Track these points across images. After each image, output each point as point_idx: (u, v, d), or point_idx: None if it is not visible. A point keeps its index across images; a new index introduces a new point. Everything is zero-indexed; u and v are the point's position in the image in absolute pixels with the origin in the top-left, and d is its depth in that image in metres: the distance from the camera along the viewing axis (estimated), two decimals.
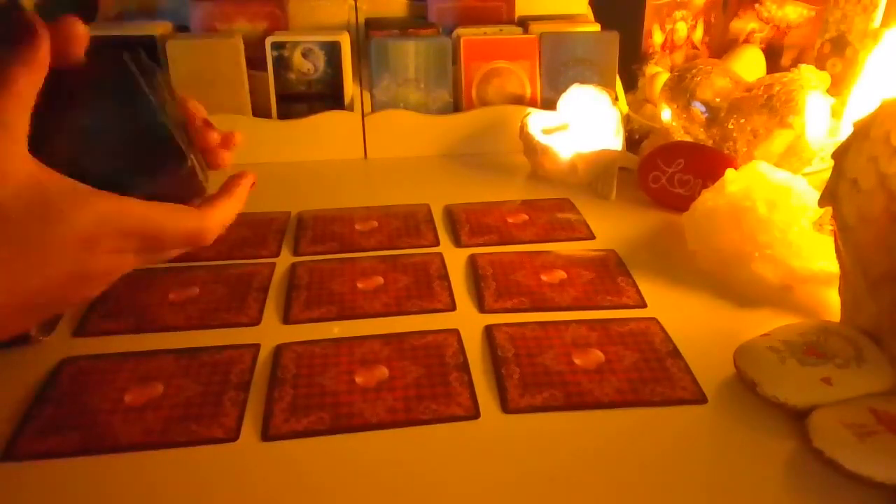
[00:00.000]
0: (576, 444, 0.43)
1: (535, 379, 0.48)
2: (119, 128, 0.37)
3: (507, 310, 0.57)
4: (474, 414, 0.46)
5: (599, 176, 0.78)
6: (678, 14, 1.03)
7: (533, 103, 0.91)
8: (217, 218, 0.40)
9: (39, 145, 0.33)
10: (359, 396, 0.47)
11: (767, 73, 0.91)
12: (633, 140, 0.87)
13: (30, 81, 0.33)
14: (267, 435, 0.44)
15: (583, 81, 0.83)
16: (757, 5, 0.96)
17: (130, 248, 0.36)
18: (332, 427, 0.44)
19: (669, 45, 1.04)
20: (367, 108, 0.89)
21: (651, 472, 0.41)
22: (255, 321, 0.55)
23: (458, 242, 0.67)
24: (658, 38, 1.04)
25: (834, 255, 0.53)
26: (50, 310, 0.39)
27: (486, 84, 0.91)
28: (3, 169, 0.31)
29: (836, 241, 0.51)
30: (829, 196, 0.51)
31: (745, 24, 0.98)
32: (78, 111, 0.36)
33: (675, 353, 0.51)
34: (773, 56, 0.95)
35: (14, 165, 0.31)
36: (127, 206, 0.35)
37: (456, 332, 0.53)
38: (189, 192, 0.41)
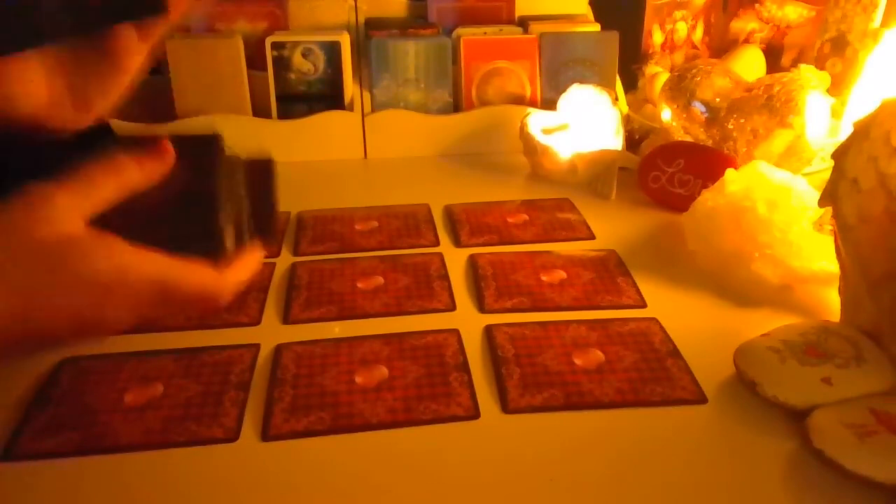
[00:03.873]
0: (576, 444, 0.43)
1: (535, 379, 0.48)
2: (177, 212, 0.39)
3: (507, 310, 0.57)
4: (474, 414, 0.46)
5: (599, 176, 0.78)
6: (678, 14, 1.03)
7: (533, 103, 0.91)
8: (232, 280, 0.41)
9: None
10: (359, 396, 0.47)
11: (767, 73, 0.91)
12: (633, 140, 0.87)
13: (134, 177, 0.37)
14: (267, 435, 0.44)
15: (583, 81, 0.83)
16: (757, 5, 0.96)
17: (145, 300, 0.37)
18: (332, 427, 0.44)
19: (669, 45, 1.04)
20: (367, 108, 0.89)
21: (651, 472, 0.41)
22: (255, 321, 0.55)
23: (458, 242, 0.67)
24: (658, 38, 1.04)
25: (834, 255, 0.53)
26: (50, 344, 0.41)
27: (486, 84, 0.91)
28: (59, 217, 0.34)
29: (836, 241, 0.51)
30: (829, 196, 0.51)
31: (745, 24, 0.98)
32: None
33: (675, 353, 0.51)
34: (773, 56, 0.95)
35: (69, 222, 0.34)
36: (149, 261, 0.37)
37: (456, 332, 0.53)
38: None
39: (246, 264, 0.42)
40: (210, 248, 0.39)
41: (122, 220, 0.36)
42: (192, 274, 0.38)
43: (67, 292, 0.34)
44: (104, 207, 0.36)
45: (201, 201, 0.39)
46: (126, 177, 0.37)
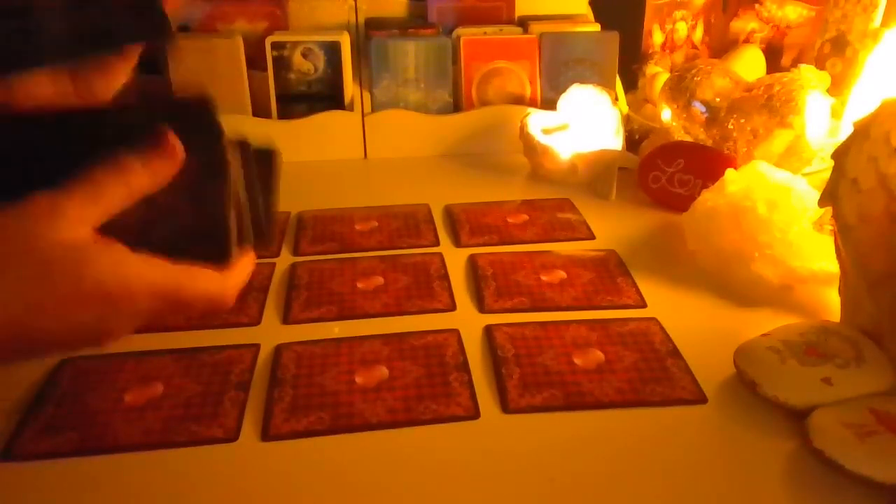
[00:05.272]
0: (576, 444, 0.43)
1: (535, 379, 0.48)
2: (185, 210, 0.38)
3: (507, 310, 0.57)
4: (474, 414, 0.46)
5: (599, 176, 0.78)
6: (678, 14, 1.03)
7: (533, 103, 0.91)
8: (236, 281, 0.40)
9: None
10: (359, 396, 0.47)
11: (767, 73, 0.91)
12: (633, 140, 0.87)
13: (142, 181, 0.36)
14: (267, 435, 0.44)
15: (583, 81, 0.83)
16: (757, 5, 0.96)
17: (150, 309, 0.37)
18: (332, 427, 0.44)
19: (669, 45, 1.04)
20: (367, 108, 0.89)
21: (651, 472, 0.41)
22: (255, 321, 0.55)
23: (458, 242, 0.67)
24: (658, 38, 1.04)
25: (834, 255, 0.53)
26: (54, 351, 0.41)
27: (486, 84, 0.91)
28: (67, 224, 0.33)
29: (836, 241, 0.51)
30: (829, 196, 0.51)
31: (745, 24, 0.98)
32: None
33: (675, 353, 0.51)
34: (773, 56, 0.95)
35: (78, 229, 0.34)
36: (155, 270, 0.36)
37: (456, 332, 0.53)
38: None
39: (244, 265, 0.41)
40: (215, 250, 0.39)
41: (127, 221, 0.36)
42: (197, 281, 0.38)
43: (70, 302, 0.34)
44: (112, 214, 0.35)
45: (209, 202, 0.38)
46: (135, 181, 0.36)
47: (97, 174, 0.35)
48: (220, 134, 0.38)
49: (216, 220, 0.38)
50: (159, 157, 0.36)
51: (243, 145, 0.41)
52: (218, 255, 0.39)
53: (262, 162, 0.42)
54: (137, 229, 0.36)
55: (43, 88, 0.37)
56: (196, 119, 0.37)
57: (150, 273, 0.36)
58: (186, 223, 0.38)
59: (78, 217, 0.34)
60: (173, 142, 0.37)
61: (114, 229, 0.35)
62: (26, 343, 0.34)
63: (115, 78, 0.40)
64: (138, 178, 0.36)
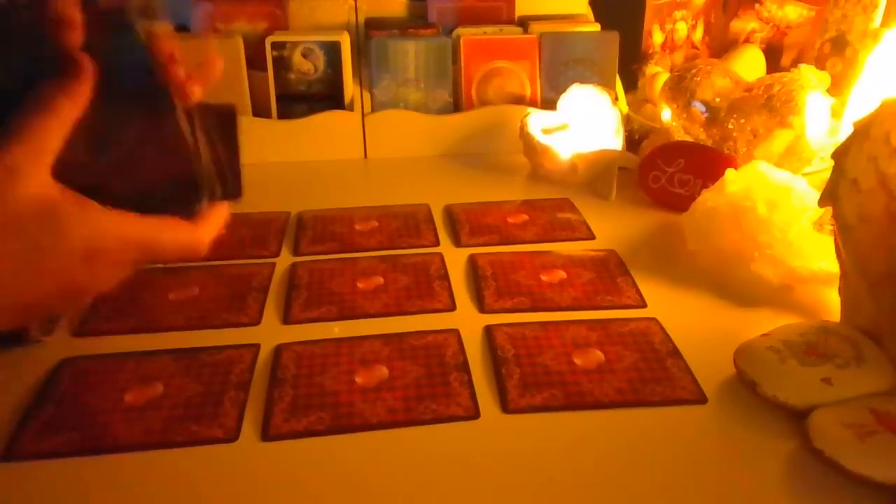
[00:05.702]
0: (576, 444, 0.43)
1: (535, 379, 0.48)
2: (152, 162, 0.39)
3: (507, 310, 0.57)
4: (474, 414, 0.46)
5: (599, 176, 0.78)
6: (678, 14, 1.03)
7: (533, 103, 0.91)
8: (208, 230, 0.42)
9: (70, 158, 0.36)
10: (359, 396, 0.47)
11: (767, 73, 0.91)
12: (633, 140, 0.87)
13: (70, 110, 0.36)
14: (267, 435, 0.44)
15: (583, 81, 0.83)
16: (757, 5, 0.96)
17: (127, 260, 0.38)
18: (332, 427, 0.44)
19: (669, 45, 1.04)
20: (367, 108, 0.89)
21: (651, 472, 0.41)
22: (255, 321, 0.55)
23: (458, 242, 0.67)
24: (658, 38, 1.04)
25: (834, 255, 0.53)
26: (44, 311, 0.41)
27: (486, 84, 0.91)
28: (26, 177, 0.34)
29: (836, 241, 0.51)
30: (829, 196, 0.51)
31: (745, 24, 0.98)
32: (115, 136, 0.38)
33: (675, 353, 0.51)
34: (773, 56, 0.95)
35: (35, 178, 0.34)
36: (128, 224, 0.37)
37: (456, 332, 0.53)
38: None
39: (215, 216, 0.42)
40: (182, 203, 0.40)
41: (95, 181, 0.36)
42: (169, 232, 0.39)
43: (49, 259, 0.34)
44: (56, 153, 0.35)
45: (176, 158, 0.39)
46: (64, 114, 0.35)
47: (29, 121, 0.35)
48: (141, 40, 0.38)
49: (181, 173, 0.40)
50: (78, 81, 0.36)
51: (200, 104, 0.41)
52: (186, 208, 0.40)
53: (223, 119, 0.43)
54: (105, 189, 0.37)
55: None
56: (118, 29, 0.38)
57: (124, 225, 0.37)
58: (152, 178, 0.39)
59: (31, 168, 0.34)
60: (83, 60, 0.36)
61: (82, 189, 0.36)
62: (13, 306, 0.35)
63: None
64: (67, 111, 0.36)
